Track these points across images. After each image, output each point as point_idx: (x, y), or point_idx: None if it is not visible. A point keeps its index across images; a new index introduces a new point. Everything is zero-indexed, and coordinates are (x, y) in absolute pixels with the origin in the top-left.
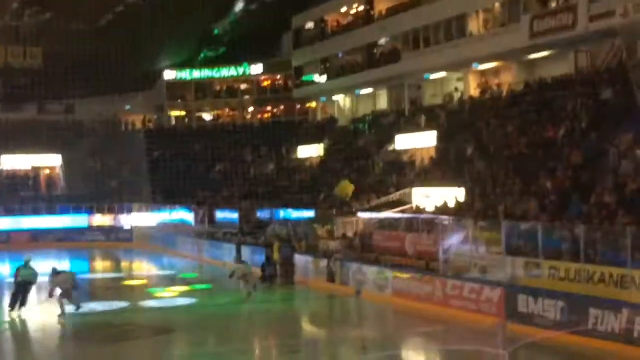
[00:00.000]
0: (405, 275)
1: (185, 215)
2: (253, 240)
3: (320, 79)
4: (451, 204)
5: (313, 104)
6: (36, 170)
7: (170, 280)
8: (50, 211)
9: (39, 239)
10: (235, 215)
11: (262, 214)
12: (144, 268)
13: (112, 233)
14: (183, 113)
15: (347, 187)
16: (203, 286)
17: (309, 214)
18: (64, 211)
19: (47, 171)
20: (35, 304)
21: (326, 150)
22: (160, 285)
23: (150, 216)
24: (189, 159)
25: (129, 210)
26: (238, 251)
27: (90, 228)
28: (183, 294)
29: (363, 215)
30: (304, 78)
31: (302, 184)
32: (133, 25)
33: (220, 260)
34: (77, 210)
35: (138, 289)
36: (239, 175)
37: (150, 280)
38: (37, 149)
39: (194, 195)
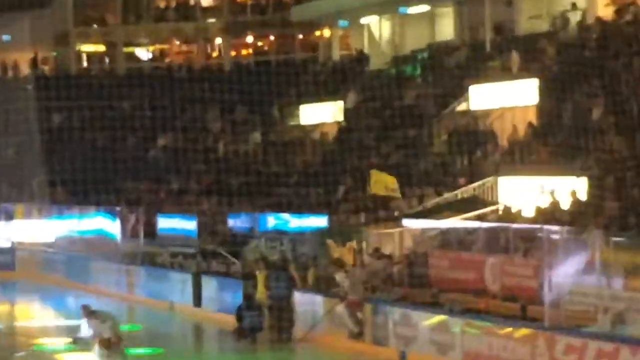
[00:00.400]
0: (484, 328)
1: (105, 224)
2: (222, 266)
3: None
4: (565, 205)
5: (326, 33)
6: None
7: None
8: None
9: None
10: (191, 225)
11: (238, 222)
12: (32, 317)
13: None
14: (102, 49)
15: (387, 178)
16: (140, 351)
17: (320, 222)
18: None
19: None
20: None
21: (349, 112)
22: (63, 349)
23: (45, 226)
24: (113, 127)
25: (8, 217)
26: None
27: None
28: None
29: (412, 224)
30: None
31: (308, 171)
32: None
33: (165, 300)
34: None
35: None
36: (199, 155)
37: (44, 336)
38: None
39: (120, 189)
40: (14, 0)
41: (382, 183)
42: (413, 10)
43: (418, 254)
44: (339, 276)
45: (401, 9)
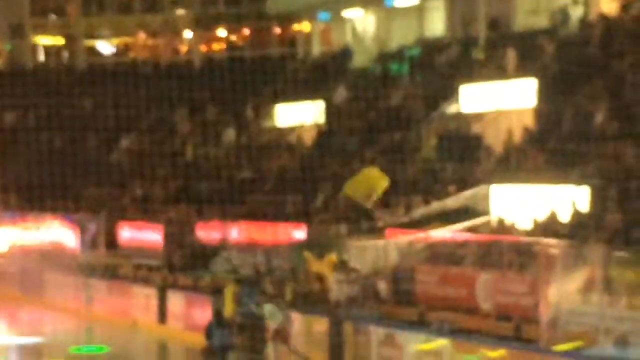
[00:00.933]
0: (475, 350)
1: (63, 233)
2: (189, 280)
3: None
4: (564, 217)
5: (305, 27)
6: None
7: (33, 356)
8: None
9: None
10: (156, 235)
11: (208, 233)
12: None
13: None
14: (61, 41)
15: (375, 181)
16: None
17: (297, 232)
18: None
19: None
20: None
21: (330, 112)
22: None
23: None
24: (72, 126)
25: None
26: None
27: None
28: None
29: (397, 236)
30: None
31: (284, 176)
32: None
33: (128, 316)
34: None
35: None
36: (165, 159)
37: None
38: None
39: (80, 195)
40: None
41: (369, 185)
42: (400, 3)
43: (404, 269)
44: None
45: (387, 1)
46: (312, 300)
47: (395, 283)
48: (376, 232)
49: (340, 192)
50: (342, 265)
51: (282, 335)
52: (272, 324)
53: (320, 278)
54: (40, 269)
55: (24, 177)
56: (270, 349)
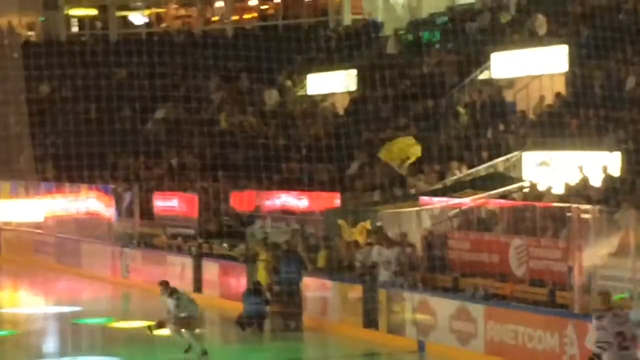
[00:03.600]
0: (509, 316)
1: (98, 203)
2: (226, 249)
3: None
4: (597, 182)
5: None
6: None
7: (71, 327)
8: None
9: None
10: (191, 205)
11: (242, 202)
12: (16, 303)
13: None
14: (94, 12)
15: (408, 148)
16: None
17: (329, 200)
18: None
19: None
20: None
21: (362, 80)
22: (52, 334)
23: (32, 205)
24: (106, 97)
25: None
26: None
27: None
28: (94, 350)
29: (430, 203)
30: None
31: (318, 144)
32: None
33: None
34: None
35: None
36: (200, 127)
37: (28, 326)
38: None
39: (115, 166)
40: None
41: (401, 153)
42: None
43: (437, 235)
44: (378, 252)
45: None
46: (345, 267)
47: (428, 250)
48: (409, 199)
49: (376, 156)
50: (375, 232)
51: None
52: None
53: (354, 245)
54: (76, 238)
55: (60, 148)
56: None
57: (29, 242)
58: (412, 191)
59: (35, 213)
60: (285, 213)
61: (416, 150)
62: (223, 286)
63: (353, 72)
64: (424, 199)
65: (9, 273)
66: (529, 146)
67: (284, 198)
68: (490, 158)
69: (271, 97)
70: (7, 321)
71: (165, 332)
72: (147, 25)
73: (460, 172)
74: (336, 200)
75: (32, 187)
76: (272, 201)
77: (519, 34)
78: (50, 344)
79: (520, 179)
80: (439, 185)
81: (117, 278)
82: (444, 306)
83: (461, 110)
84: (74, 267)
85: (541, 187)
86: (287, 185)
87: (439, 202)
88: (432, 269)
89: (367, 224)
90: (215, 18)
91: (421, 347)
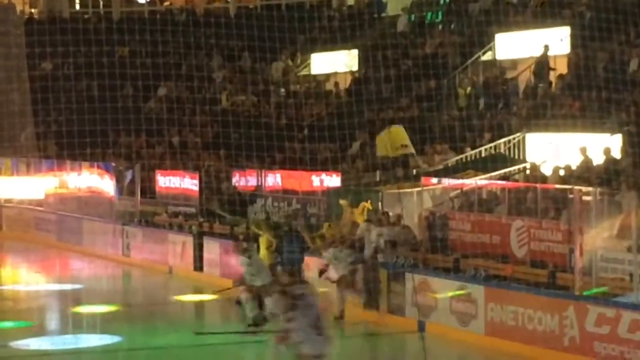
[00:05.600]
0: (509, 297)
1: (99, 181)
2: (226, 228)
3: None
4: (598, 162)
5: None
6: None
7: (72, 302)
8: None
9: None
10: (193, 183)
11: (244, 181)
12: (19, 280)
13: None
14: None
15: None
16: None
17: (332, 181)
18: None
19: None
20: None
21: (365, 60)
22: (53, 312)
23: (33, 183)
24: (107, 74)
25: None
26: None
27: None
28: (94, 328)
29: (431, 183)
30: None
31: (320, 124)
32: None
33: (164, 264)
34: None
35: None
36: (202, 106)
37: (30, 302)
38: None
39: (116, 143)
40: None
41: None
42: None
43: (437, 217)
44: (378, 231)
45: None
46: (346, 247)
47: (429, 230)
48: (411, 179)
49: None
50: (376, 212)
51: (347, 281)
52: (339, 269)
53: (355, 225)
54: (77, 216)
55: (62, 125)
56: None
57: (30, 219)
58: (414, 171)
59: (36, 190)
60: (287, 192)
61: (400, 136)
62: (224, 265)
63: (355, 52)
64: (426, 179)
65: (9, 250)
66: (531, 128)
67: (285, 177)
68: (493, 139)
69: (278, 70)
70: (8, 298)
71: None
72: (150, 3)
73: (462, 153)
74: (337, 180)
75: (34, 165)
76: (273, 180)
77: (522, 15)
78: (50, 322)
79: (522, 161)
80: (440, 166)
81: (118, 256)
82: (444, 287)
83: (463, 89)
84: (74, 244)
85: (543, 169)
86: (289, 164)
87: (440, 182)
88: (433, 249)
89: (368, 204)
90: None
91: (421, 327)
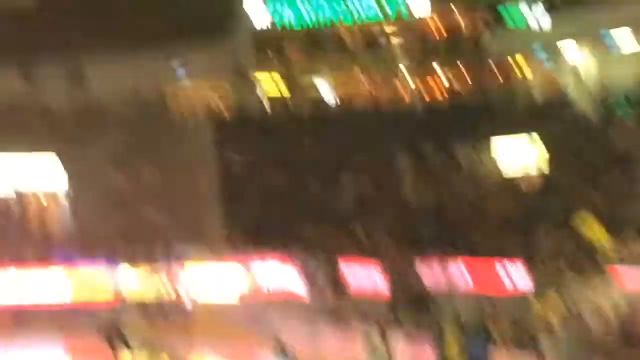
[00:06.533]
0: None
1: (287, 275)
2: (413, 326)
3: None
4: None
5: (518, 59)
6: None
7: None
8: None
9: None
10: (376, 277)
11: (429, 274)
12: None
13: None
14: (286, 94)
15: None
16: None
17: (519, 274)
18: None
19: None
20: None
21: (550, 153)
22: None
23: (221, 278)
24: (291, 166)
25: (179, 265)
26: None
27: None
28: None
29: (627, 273)
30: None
31: (507, 216)
32: None
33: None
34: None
35: None
36: (385, 196)
37: None
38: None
39: (295, 236)
40: (190, 33)
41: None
42: (625, 48)
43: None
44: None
45: (611, 47)
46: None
47: (625, 329)
48: (601, 271)
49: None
50: (565, 308)
51: None
52: None
53: (546, 322)
54: (274, 316)
55: (250, 220)
56: None
57: (226, 314)
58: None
59: (224, 287)
60: (474, 288)
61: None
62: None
63: (540, 145)
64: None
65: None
66: None
67: (470, 271)
68: None
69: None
70: None
71: None
72: (333, 99)
73: None
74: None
75: (222, 258)
76: (459, 275)
77: None
78: None
79: None
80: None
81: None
82: None
83: None
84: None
85: None
86: (472, 255)
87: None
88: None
89: (556, 298)
90: (405, 91)
91: None
